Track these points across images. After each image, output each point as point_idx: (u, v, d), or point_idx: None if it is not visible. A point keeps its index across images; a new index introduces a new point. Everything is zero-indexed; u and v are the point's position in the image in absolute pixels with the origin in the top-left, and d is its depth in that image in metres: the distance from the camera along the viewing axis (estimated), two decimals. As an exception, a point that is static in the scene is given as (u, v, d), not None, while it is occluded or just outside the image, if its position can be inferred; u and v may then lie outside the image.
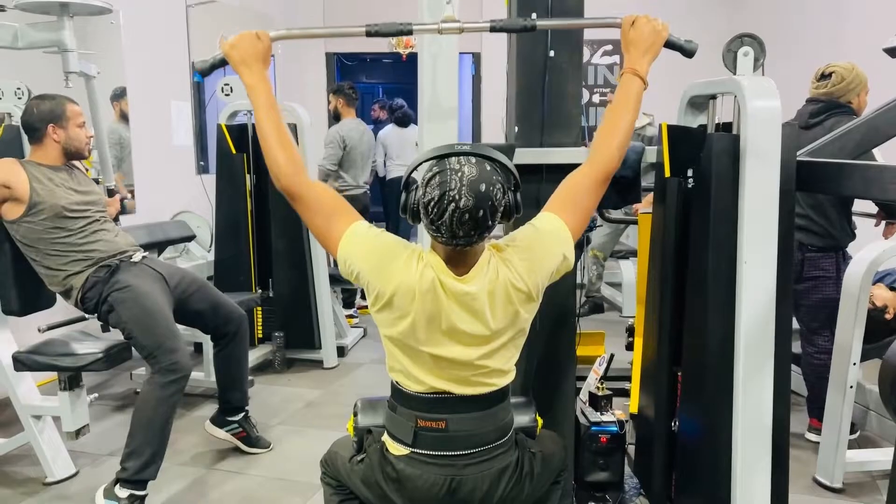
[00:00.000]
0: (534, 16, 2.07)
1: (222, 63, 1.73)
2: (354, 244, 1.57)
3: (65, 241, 2.63)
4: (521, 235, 1.63)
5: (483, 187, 1.45)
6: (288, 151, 1.63)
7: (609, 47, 6.82)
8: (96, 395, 3.21)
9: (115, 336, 2.74)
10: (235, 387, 3.03)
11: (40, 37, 2.88)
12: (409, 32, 1.80)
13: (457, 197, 1.44)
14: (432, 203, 1.46)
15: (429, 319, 1.52)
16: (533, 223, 1.65)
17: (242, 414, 3.06)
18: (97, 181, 3.42)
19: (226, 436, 3.03)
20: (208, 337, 3.12)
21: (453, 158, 1.49)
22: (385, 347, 1.63)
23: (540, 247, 1.60)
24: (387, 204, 6.90)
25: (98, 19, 3.27)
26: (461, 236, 1.47)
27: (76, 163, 2.86)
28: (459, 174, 1.45)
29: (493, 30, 1.81)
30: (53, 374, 2.79)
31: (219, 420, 3.04)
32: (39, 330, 3.03)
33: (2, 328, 2.83)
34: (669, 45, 1.78)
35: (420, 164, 1.55)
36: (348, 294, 5.27)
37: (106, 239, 2.71)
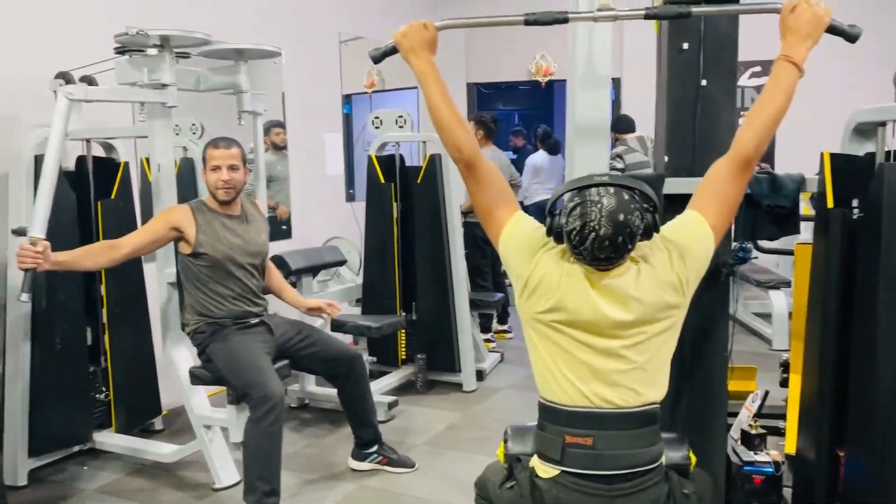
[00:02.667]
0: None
1: (393, 51, 1.85)
2: (515, 232, 1.72)
3: (199, 288, 2.85)
4: (665, 228, 1.68)
5: (622, 217, 1.54)
6: (464, 127, 1.77)
7: (758, 69, 6.54)
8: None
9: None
10: (364, 423, 3.15)
11: (219, 80, 3.18)
12: (566, 21, 1.85)
13: (597, 227, 1.53)
14: (574, 232, 1.56)
15: (575, 301, 1.60)
16: (678, 218, 1.70)
17: (377, 446, 3.18)
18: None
19: (370, 466, 3.16)
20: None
21: (593, 189, 1.57)
22: (531, 351, 1.70)
23: (684, 239, 1.65)
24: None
25: (264, 61, 3.57)
26: (602, 258, 1.57)
27: (257, 204, 3.11)
28: (599, 206, 1.54)
29: (647, 17, 1.84)
30: (222, 388, 3.03)
31: (358, 455, 3.18)
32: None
33: (180, 344, 3.12)
34: (831, 30, 1.72)
35: (563, 194, 1.64)
36: (486, 319, 5.35)
37: (231, 305, 2.87)
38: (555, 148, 7.04)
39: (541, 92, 8.15)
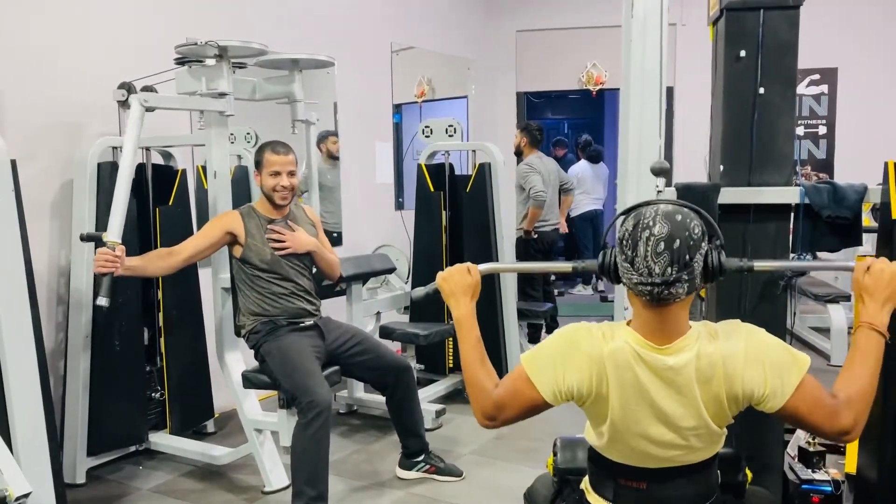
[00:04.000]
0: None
1: (436, 293, 1.79)
2: (544, 374, 1.51)
3: (253, 288, 2.91)
4: (748, 331, 1.46)
5: (679, 217, 1.38)
6: (493, 379, 1.60)
7: (816, 77, 6.39)
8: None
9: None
10: (411, 433, 3.17)
11: (274, 89, 3.25)
12: None
13: (651, 224, 1.38)
14: (626, 234, 1.41)
15: (628, 397, 1.43)
16: (770, 335, 1.46)
17: (424, 455, 3.18)
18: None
19: (417, 475, 3.17)
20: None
21: (651, 204, 1.44)
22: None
23: (768, 355, 1.41)
24: (573, 239, 6.90)
25: (317, 70, 3.63)
26: (657, 272, 1.36)
27: (306, 211, 3.15)
28: (655, 208, 1.41)
29: None
30: (273, 392, 3.08)
31: (406, 464, 3.19)
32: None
33: (234, 349, 3.18)
34: None
35: (615, 221, 1.53)
36: (534, 329, 5.32)
37: (286, 302, 2.92)
38: (596, 157, 6.96)
39: (591, 101, 8.08)
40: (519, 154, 5.43)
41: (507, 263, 1.95)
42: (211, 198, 3.11)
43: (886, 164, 2.04)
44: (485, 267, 1.78)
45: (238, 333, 3.06)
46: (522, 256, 5.08)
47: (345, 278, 3.55)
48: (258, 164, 2.94)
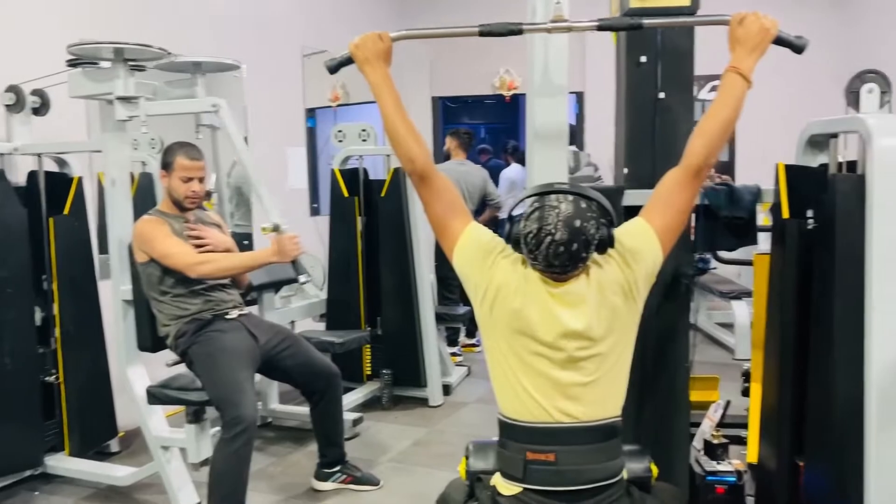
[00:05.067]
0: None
1: (349, 61, 1.84)
2: (471, 243, 1.70)
3: (169, 293, 2.78)
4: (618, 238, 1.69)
5: (578, 223, 1.55)
6: (418, 138, 1.76)
7: (717, 82, 6.66)
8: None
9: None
10: (331, 442, 3.10)
11: (176, 93, 3.14)
12: (520, 32, 1.85)
13: (553, 231, 1.54)
14: (531, 235, 1.57)
15: (533, 309, 1.60)
16: (624, 225, 1.71)
17: (341, 465, 3.12)
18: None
19: (334, 486, 3.10)
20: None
21: (552, 196, 1.59)
22: (491, 365, 1.68)
23: (629, 243, 1.65)
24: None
25: (224, 74, 3.53)
26: (556, 265, 1.57)
27: (209, 215, 3.05)
28: (556, 210, 1.56)
29: (600, 28, 1.85)
30: (180, 407, 2.96)
31: (321, 475, 3.12)
32: (167, 365, 3.22)
33: (136, 363, 3.04)
34: (779, 41, 1.75)
35: (523, 199, 1.66)
36: (452, 332, 5.32)
37: (206, 295, 2.82)
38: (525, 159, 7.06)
39: (506, 106, 8.20)
40: (447, 159, 5.43)
41: (420, 30, 1.97)
42: (109, 206, 2.96)
43: (777, 167, 2.13)
44: (397, 34, 1.83)
45: (162, 346, 2.92)
46: (440, 255, 5.07)
47: (255, 287, 3.45)
48: (167, 166, 2.81)
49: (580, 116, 6.97)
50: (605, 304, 1.61)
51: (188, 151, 2.81)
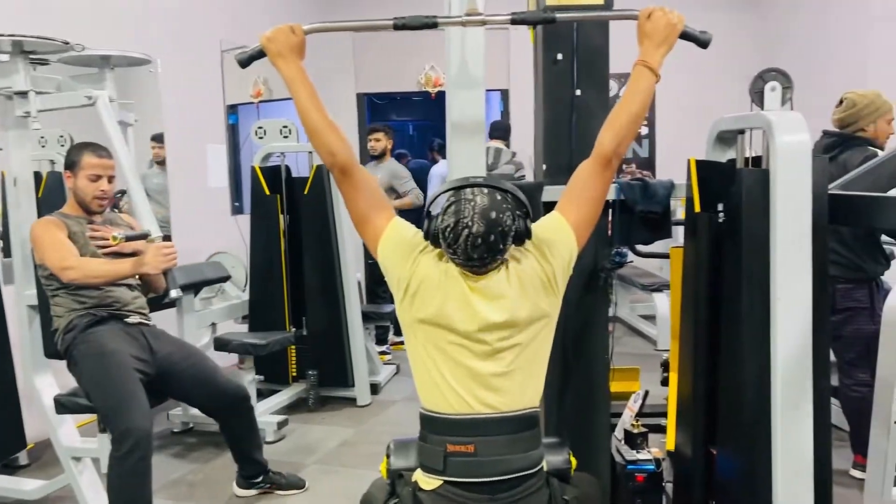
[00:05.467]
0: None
1: (260, 55, 1.79)
2: (393, 238, 1.70)
3: (67, 289, 2.64)
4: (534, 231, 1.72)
5: (494, 214, 1.56)
6: (337, 131, 1.72)
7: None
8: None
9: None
10: (246, 460, 2.98)
11: (83, 89, 2.98)
12: (435, 25, 1.84)
13: (470, 224, 1.55)
14: (448, 229, 1.58)
15: (453, 302, 1.61)
16: (540, 220, 1.73)
17: (263, 475, 3.03)
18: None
19: (257, 492, 3.03)
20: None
21: (468, 189, 1.61)
22: (413, 360, 1.69)
23: (544, 236, 1.68)
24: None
25: (137, 69, 3.39)
26: (475, 258, 1.58)
27: (121, 216, 2.93)
28: (472, 203, 1.57)
29: (514, 22, 1.85)
30: (92, 416, 2.83)
31: (243, 484, 3.03)
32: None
33: (44, 371, 2.90)
34: (685, 36, 1.79)
35: (439, 195, 1.66)
36: (381, 331, 5.29)
37: (104, 293, 2.67)
38: None
39: (433, 103, 8.19)
40: (382, 156, 5.38)
41: (334, 22, 1.94)
42: (11, 207, 2.81)
43: (689, 162, 2.19)
44: (310, 26, 1.80)
45: (55, 347, 2.75)
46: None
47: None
48: (73, 166, 2.68)
49: (506, 113, 7.04)
50: (526, 296, 1.63)
51: (95, 149, 2.69)
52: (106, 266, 2.64)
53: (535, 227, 1.69)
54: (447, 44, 2.03)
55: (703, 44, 1.83)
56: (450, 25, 1.92)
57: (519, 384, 1.63)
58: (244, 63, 1.84)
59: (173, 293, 2.68)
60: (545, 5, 2.18)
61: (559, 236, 1.69)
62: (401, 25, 1.83)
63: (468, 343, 1.61)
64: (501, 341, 1.61)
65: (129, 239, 2.61)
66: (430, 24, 1.83)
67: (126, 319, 2.71)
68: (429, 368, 1.65)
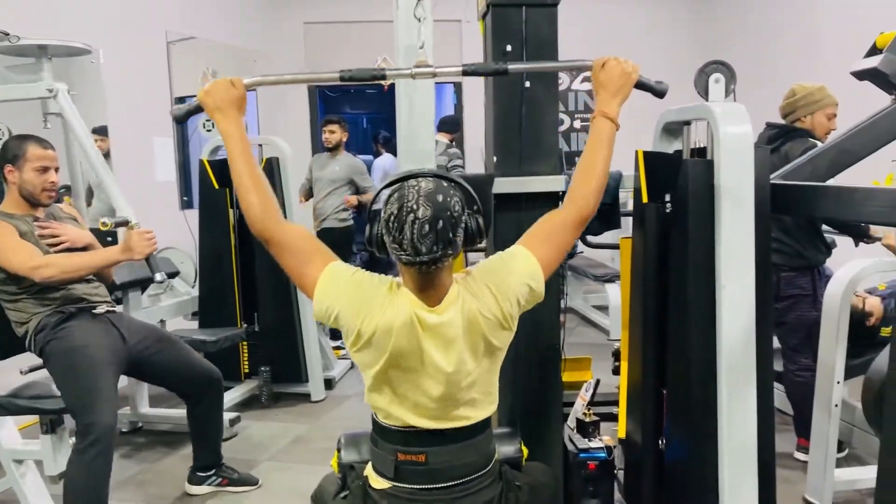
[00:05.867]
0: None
1: (198, 110, 1.73)
2: (331, 286, 1.56)
3: (25, 289, 2.58)
4: (487, 263, 1.64)
5: (440, 198, 1.47)
6: (262, 196, 1.63)
7: (589, 73, 6.90)
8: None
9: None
10: (206, 447, 2.97)
11: (19, 80, 2.89)
12: (383, 78, 1.81)
13: (415, 207, 1.45)
14: (392, 217, 1.46)
15: (407, 354, 1.53)
16: (501, 253, 1.65)
17: (216, 468, 3.00)
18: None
19: (209, 489, 2.99)
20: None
21: (411, 179, 1.52)
22: (365, 382, 1.63)
23: (505, 275, 1.59)
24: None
25: (78, 59, 3.29)
26: (424, 252, 1.45)
27: (63, 208, 2.84)
28: (417, 188, 1.48)
29: (465, 73, 1.82)
30: (35, 418, 2.75)
31: (195, 479, 2.99)
32: (21, 372, 2.99)
33: (-18, 372, 2.80)
34: (640, 86, 1.79)
35: (380, 191, 1.58)
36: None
37: (67, 287, 2.62)
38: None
39: (386, 96, 8.14)
40: (336, 148, 5.31)
41: (277, 75, 1.92)
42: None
43: (637, 153, 2.22)
44: (249, 80, 1.74)
45: (12, 351, 2.71)
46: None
47: (119, 285, 3.25)
48: (15, 159, 2.58)
49: (459, 107, 7.04)
50: (476, 339, 1.56)
51: (39, 141, 2.62)
52: (78, 259, 2.60)
53: (500, 264, 1.62)
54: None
55: (659, 94, 1.81)
56: (399, 78, 1.90)
57: (472, 408, 1.60)
58: (181, 118, 1.81)
59: (158, 277, 2.75)
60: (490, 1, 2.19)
61: (524, 274, 1.60)
62: (348, 78, 1.81)
63: (423, 384, 1.55)
64: (455, 382, 1.55)
65: (117, 225, 2.70)
66: (378, 77, 1.81)
67: (94, 311, 2.68)
68: (380, 399, 1.60)
